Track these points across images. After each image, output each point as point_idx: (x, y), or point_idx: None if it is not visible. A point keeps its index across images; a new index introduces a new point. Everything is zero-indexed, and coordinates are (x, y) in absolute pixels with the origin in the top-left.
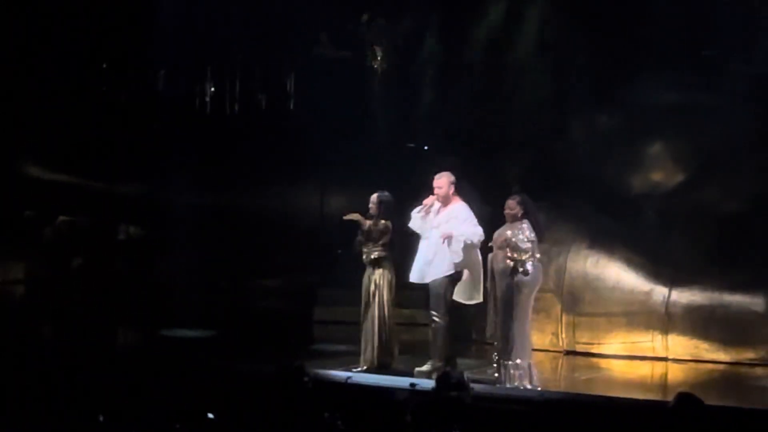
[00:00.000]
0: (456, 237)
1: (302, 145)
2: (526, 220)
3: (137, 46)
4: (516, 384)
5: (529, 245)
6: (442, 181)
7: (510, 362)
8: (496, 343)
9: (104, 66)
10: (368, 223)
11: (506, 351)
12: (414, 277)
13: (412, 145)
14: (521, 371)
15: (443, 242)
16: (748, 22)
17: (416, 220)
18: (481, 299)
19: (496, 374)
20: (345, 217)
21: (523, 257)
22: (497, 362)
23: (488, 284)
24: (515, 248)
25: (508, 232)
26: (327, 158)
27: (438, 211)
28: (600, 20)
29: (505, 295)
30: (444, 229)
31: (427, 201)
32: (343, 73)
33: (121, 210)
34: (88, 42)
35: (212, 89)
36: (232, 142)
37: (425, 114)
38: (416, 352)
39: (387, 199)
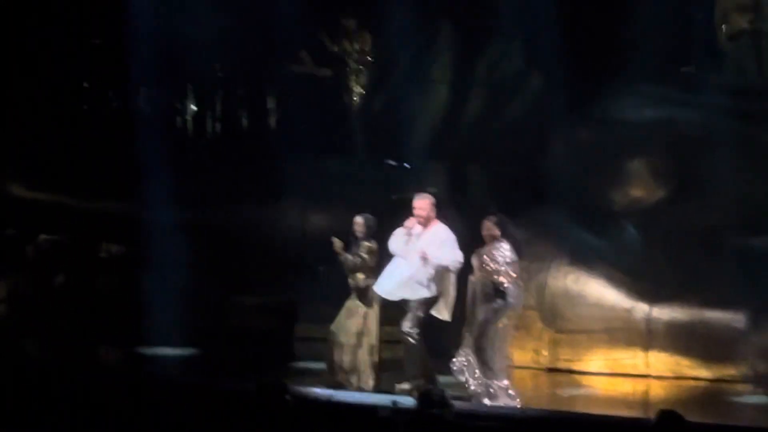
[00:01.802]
0: (431, 260)
1: (283, 163)
2: (504, 240)
3: (118, 65)
4: (498, 402)
5: (506, 266)
6: (424, 203)
7: (490, 382)
8: (468, 360)
9: (85, 85)
10: (347, 255)
11: (482, 372)
12: (383, 291)
13: (393, 162)
14: (502, 391)
15: (422, 259)
16: (721, 37)
17: (397, 242)
18: (448, 318)
19: (472, 391)
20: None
21: (501, 278)
22: (477, 382)
23: (468, 306)
24: (493, 270)
25: (485, 254)
26: (308, 175)
27: (419, 234)
28: (580, 36)
29: (486, 316)
30: (423, 249)
31: (408, 223)
32: (323, 90)
33: (102, 228)
34: (69, 61)
35: (193, 107)
36: (214, 160)
37: (406, 131)
38: (398, 370)
39: (371, 221)
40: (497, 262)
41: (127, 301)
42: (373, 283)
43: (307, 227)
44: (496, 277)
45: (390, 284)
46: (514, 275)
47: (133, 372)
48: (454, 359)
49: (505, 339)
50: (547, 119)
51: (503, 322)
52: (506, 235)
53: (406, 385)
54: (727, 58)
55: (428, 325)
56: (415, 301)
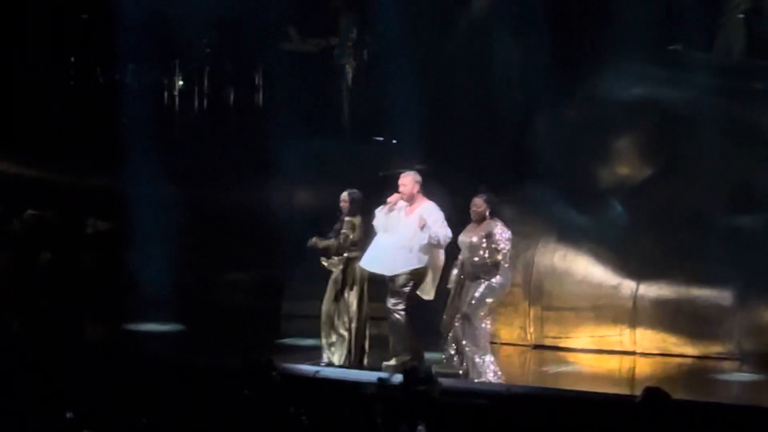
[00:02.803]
0: (428, 227)
1: (270, 139)
2: (498, 219)
3: (105, 40)
4: (483, 378)
5: (504, 244)
6: (407, 179)
7: (477, 358)
8: (453, 337)
9: (72, 59)
10: (329, 242)
11: (469, 348)
12: (371, 266)
13: (380, 138)
14: (486, 367)
15: (420, 228)
16: (713, 15)
17: (380, 219)
18: (432, 297)
19: (460, 368)
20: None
21: (499, 256)
22: (463, 357)
23: (454, 285)
24: (494, 249)
25: (484, 232)
26: (296, 152)
27: (407, 212)
28: (566, 14)
29: (478, 294)
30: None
31: (391, 199)
32: (312, 66)
33: (88, 204)
34: (55, 36)
35: (180, 83)
36: (201, 137)
37: (393, 108)
38: (384, 347)
39: (358, 196)
40: (496, 241)
41: (113, 277)
42: (358, 258)
43: (295, 204)
44: (495, 255)
45: (376, 258)
46: (508, 252)
47: (118, 348)
48: (447, 335)
49: (491, 317)
50: (533, 98)
51: (494, 300)
52: (494, 214)
53: (392, 362)
54: (715, 37)
55: (413, 301)
56: (401, 276)
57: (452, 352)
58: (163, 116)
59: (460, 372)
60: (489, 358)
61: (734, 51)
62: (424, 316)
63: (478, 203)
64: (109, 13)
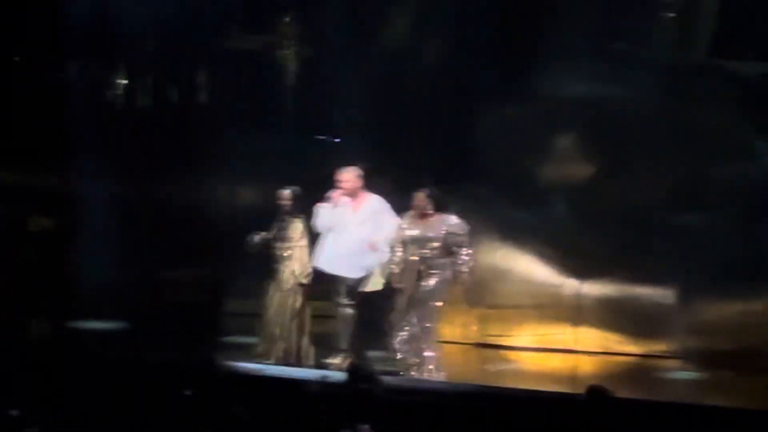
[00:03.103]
0: (379, 249)
1: (212, 137)
2: (449, 214)
3: (48, 39)
4: (433, 375)
5: (463, 238)
6: (349, 175)
7: (429, 354)
8: (402, 336)
9: (16, 59)
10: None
11: (425, 344)
12: (331, 267)
13: (322, 137)
14: (435, 362)
15: (373, 250)
16: (656, 13)
17: (324, 217)
18: (381, 288)
19: (410, 365)
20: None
21: (461, 251)
22: (412, 354)
23: (406, 279)
24: (454, 243)
25: (431, 227)
26: (238, 150)
27: (353, 208)
28: (510, 10)
29: (434, 288)
30: (368, 230)
31: (333, 195)
32: (254, 63)
33: (31, 201)
34: None
35: (124, 81)
36: (143, 134)
37: (335, 106)
38: (327, 344)
39: (300, 193)
40: (456, 234)
41: (57, 274)
42: (302, 257)
43: (237, 202)
44: (453, 249)
45: (335, 259)
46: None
47: (61, 346)
48: (400, 333)
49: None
50: (475, 94)
51: (445, 294)
52: (441, 209)
53: (337, 359)
54: (659, 35)
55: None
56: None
57: (401, 347)
58: (106, 114)
59: (410, 363)
60: (434, 354)
61: (682, 50)
62: (370, 311)
63: (420, 197)
64: (53, 10)
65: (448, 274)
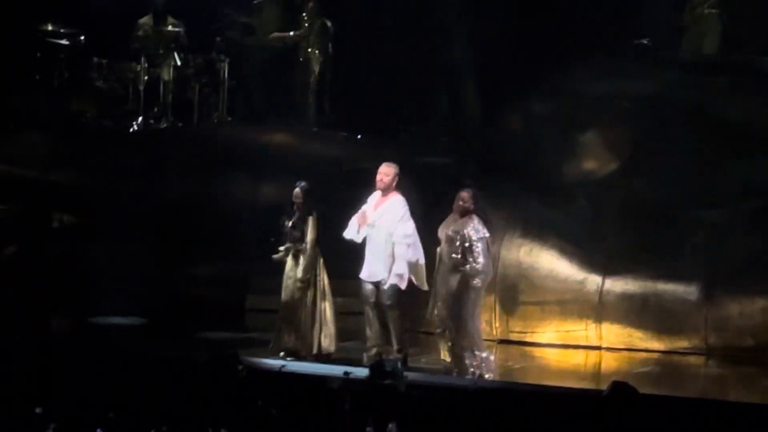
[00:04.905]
0: (404, 274)
1: (234, 133)
2: (475, 215)
3: (75, 33)
4: (476, 374)
5: (480, 242)
6: (391, 170)
7: (468, 353)
8: (443, 332)
9: (38, 55)
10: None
11: (463, 344)
12: (368, 276)
13: (345, 133)
14: (480, 362)
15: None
16: (680, 9)
17: (353, 229)
18: (426, 287)
19: (449, 364)
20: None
21: (474, 253)
22: (455, 354)
23: (435, 275)
24: (468, 245)
25: (458, 228)
26: (259, 146)
27: (376, 204)
28: (534, 7)
29: (457, 288)
30: (382, 223)
31: (364, 211)
32: (276, 60)
33: (54, 198)
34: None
35: (144, 78)
36: (165, 130)
37: (359, 103)
38: (352, 341)
39: (308, 189)
40: (470, 237)
41: (79, 270)
42: (311, 253)
43: (258, 198)
44: (467, 253)
45: (372, 270)
46: (488, 249)
47: (84, 342)
48: (437, 330)
49: (478, 309)
50: (500, 91)
51: (475, 293)
52: (478, 208)
53: (369, 356)
54: (683, 32)
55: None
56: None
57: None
58: (127, 111)
59: (449, 367)
60: (484, 352)
61: (704, 46)
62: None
63: (465, 197)
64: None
65: (469, 270)
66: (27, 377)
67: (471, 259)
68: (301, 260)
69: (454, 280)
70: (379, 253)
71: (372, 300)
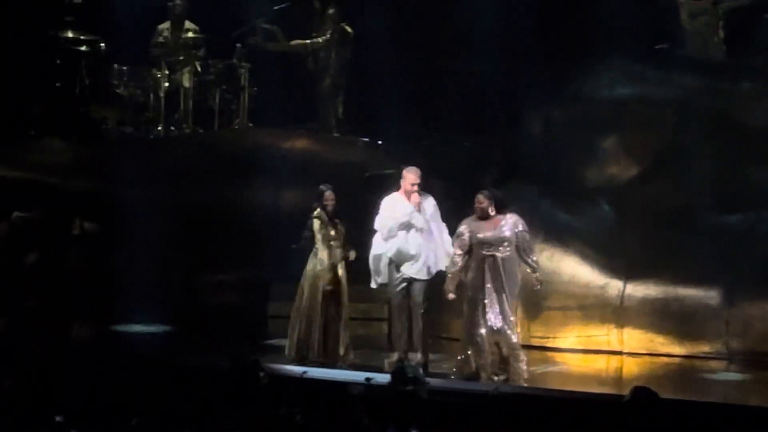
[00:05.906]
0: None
1: (256, 139)
2: (514, 214)
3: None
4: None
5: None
6: (419, 173)
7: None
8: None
9: (58, 62)
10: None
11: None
12: (424, 274)
13: (365, 139)
14: (526, 367)
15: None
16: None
17: (393, 214)
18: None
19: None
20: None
21: (531, 250)
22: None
23: (469, 278)
24: (528, 246)
25: (509, 229)
26: (281, 152)
27: (417, 206)
28: (554, 12)
29: (510, 289)
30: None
31: (414, 200)
32: (296, 66)
33: (75, 205)
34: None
35: (166, 84)
36: (187, 137)
37: (379, 109)
38: (373, 347)
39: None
40: (527, 238)
41: (100, 278)
42: (322, 256)
43: (280, 204)
44: (526, 249)
45: (426, 266)
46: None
47: (106, 349)
48: (481, 332)
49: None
50: (522, 97)
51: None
52: (503, 207)
53: (416, 360)
54: (691, 36)
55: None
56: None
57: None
58: (148, 117)
59: (498, 378)
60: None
61: (710, 49)
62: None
63: (481, 199)
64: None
65: (518, 273)
66: (48, 385)
67: (528, 258)
68: (320, 262)
69: (509, 283)
70: (434, 248)
71: (404, 303)
